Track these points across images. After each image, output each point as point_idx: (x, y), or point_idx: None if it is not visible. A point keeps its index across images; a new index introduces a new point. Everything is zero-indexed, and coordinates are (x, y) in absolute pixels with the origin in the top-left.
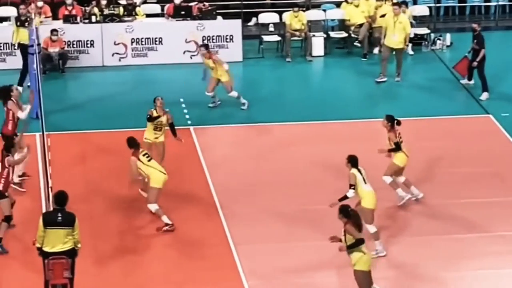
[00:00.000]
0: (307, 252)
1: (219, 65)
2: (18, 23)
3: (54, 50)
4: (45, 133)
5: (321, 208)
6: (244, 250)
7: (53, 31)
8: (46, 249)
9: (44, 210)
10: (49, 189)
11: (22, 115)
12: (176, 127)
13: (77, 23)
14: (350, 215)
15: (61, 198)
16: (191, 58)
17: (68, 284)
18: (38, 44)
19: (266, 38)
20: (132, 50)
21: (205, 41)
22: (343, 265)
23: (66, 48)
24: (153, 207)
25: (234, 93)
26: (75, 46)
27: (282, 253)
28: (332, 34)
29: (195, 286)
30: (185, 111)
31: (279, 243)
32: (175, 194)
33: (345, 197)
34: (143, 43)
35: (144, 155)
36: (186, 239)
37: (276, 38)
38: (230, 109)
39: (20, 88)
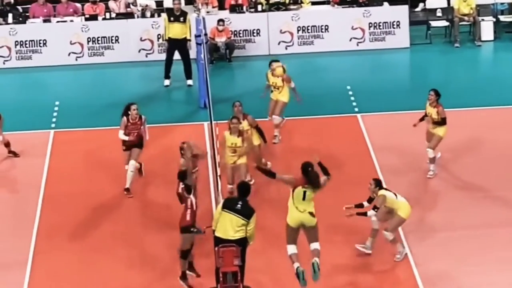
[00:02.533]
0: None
1: (287, 83)
2: (172, 18)
3: (220, 40)
4: (213, 122)
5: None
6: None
7: (220, 21)
8: (218, 234)
9: (212, 198)
10: (218, 177)
11: (121, 135)
12: (343, 115)
13: (243, 12)
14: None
15: (244, 188)
16: (357, 45)
17: (238, 272)
18: (205, 34)
19: (433, 23)
20: (298, 38)
21: (371, 28)
22: None
23: (232, 38)
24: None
25: (279, 119)
26: (241, 35)
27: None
28: (502, 18)
29: None
30: (352, 98)
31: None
32: (345, 180)
33: (365, 214)
34: (309, 31)
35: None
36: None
37: (444, 23)
38: (395, 95)
39: (190, 81)
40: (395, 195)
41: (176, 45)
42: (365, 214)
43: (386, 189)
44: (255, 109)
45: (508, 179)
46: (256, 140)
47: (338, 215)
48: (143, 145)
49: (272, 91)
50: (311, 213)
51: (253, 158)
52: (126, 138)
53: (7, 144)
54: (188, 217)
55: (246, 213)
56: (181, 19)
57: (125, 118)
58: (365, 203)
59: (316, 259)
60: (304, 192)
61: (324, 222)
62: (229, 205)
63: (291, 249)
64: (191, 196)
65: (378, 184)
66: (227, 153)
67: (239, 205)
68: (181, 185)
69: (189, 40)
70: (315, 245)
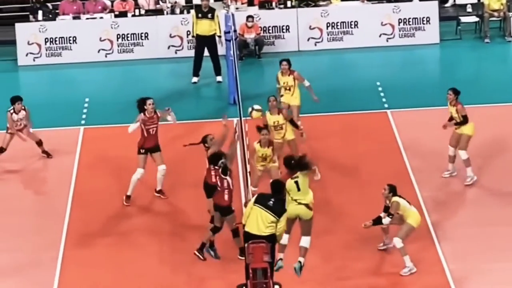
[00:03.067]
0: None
1: (299, 82)
2: (200, 15)
3: (250, 36)
4: (242, 118)
5: None
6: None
7: (249, 18)
8: (248, 229)
9: (242, 194)
10: (247, 173)
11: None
12: (372, 111)
13: (273, 8)
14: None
15: (277, 186)
16: (387, 41)
17: (268, 268)
18: (235, 31)
19: (463, 19)
20: (328, 35)
21: (401, 24)
22: None
23: (262, 34)
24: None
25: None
26: (270, 31)
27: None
28: None
29: None
30: (382, 94)
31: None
32: (374, 176)
33: (380, 222)
34: (338, 27)
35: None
36: None
37: (474, 18)
38: (425, 91)
39: (219, 78)
40: (408, 203)
41: (204, 41)
42: (380, 222)
43: (400, 196)
44: None
45: None
46: (291, 135)
47: (366, 213)
48: (160, 148)
49: (282, 95)
50: (307, 206)
51: (290, 152)
52: (132, 130)
53: (39, 143)
54: (226, 198)
55: (278, 211)
56: (209, 15)
57: (142, 114)
58: (382, 214)
59: (301, 259)
60: (296, 182)
61: (349, 221)
62: (261, 201)
63: (283, 239)
64: (228, 177)
65: (392, 190)
66: (258, 161)
67: (271, 202)
68: (213, 169)
69: (219, 36)
70: (304, 241)
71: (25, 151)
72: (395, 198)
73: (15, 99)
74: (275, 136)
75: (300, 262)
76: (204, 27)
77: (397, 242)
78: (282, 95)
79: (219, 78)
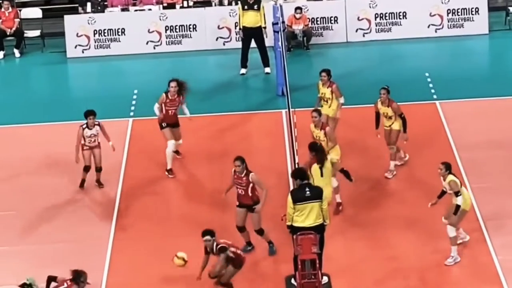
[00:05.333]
0: None
1: (336, 97)
2: (246, 7)
3: (298, 27)
4: (291, 109)
5: None
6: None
7: (297, 9)
8: (297, 224)
9: (291, 186)
10: (296, 165)
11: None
12: (422, 102)
13: (321, 0)
14: None
15: (303, 172)
16: (435, 32)
17: (317, 259)
18: (283, 22)
19: None
20: (376, 25)
21: (449, 15)
22: None
23: (310, 25)
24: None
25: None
26: (319, 22)
27: None
28: None
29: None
30: (431, 85)
31: None
32: (424, 167)
33: (458, 207)
34: (387, 18)
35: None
36: None
37: None
38: (474, 82)
39: (268, 69)
40: (460, 183)
41: (251, 33)
42: (443, 195)
43: (454, 174)
44: None
45: None
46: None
47: (418, 207)
48: (179, 124)
49: (322, 105)
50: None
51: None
52: (158, 113)
53: (99, 169)
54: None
55: (317, 194)
56: (255, 7)
57: (164, 94)
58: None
59: None
60: (321, 168)
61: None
62: (299, 197)
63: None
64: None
65: (447, 168)
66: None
67: (308, 192)
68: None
69: (264, 27)
70: None
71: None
72: (452, 177)
73: (88, 113)
74: None
75: None
76: (250, 19)
77: (450, 231)
78: (321, 106)
79: (267, 70)
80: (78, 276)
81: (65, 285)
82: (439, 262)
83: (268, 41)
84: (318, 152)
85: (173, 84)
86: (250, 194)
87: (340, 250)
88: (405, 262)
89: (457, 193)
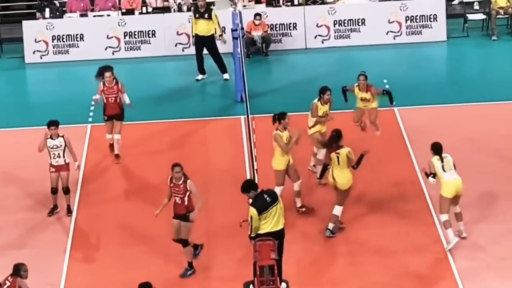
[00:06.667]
0: None
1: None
2: (197, 15)
3: (257, 33)
4: (249, 115)
5: None
6: None
7: (256, 15)
8: (262, 231)
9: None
10: (255, 171)
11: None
12: (380, 108)
13: (280, 6)
14: None
15: (253, 183)
16: (394, 38)
17: (276, 265)
18: (242, 28)
19: (470, 16)
20: (335, 32)
21: (408, 22)
22: None
23: (269, 32)
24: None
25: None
26: (278, 29)
27: None
28: None
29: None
30: None
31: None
32: (383, 174)
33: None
34: (346, 24)
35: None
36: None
37: (481, 16)
38: (432, 88)
39: (226, 75)
40: (443, 168)
41: (203, 41)
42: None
43: (441, 158)
44: (291, 102)
45: None
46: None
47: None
48: (124, 117)
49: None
50: (340, 181)
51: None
52: (98, 96)
53: (66, 191)
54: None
55: (274, 197)
56: (206, 15)
57: (101, 83)
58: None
59: (330, 225)
60: (337, 157)
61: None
62: (263, 206)
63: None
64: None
65: (433, 148)
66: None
67: (267, 198)
68: None
69: (220, 35)
70: (336, 209)
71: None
72: (432, 158)
73: (49, 124)
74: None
75: (329, 228)
76: (202, 27)
77: (442, 217)
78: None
79: (225, 76)
80: (18, 270)
81: (8, 283)
82: (400, 270)
83: (227, 48)
84: (331, 139)
85: (107, 74)
86: (186, 203)
87: (300, 256)
88: (365, 268)
89: (430, 174)
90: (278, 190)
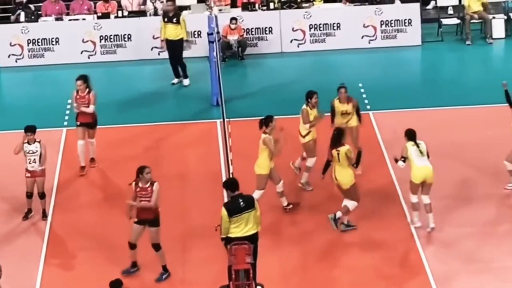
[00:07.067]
0: None
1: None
2: (166, 19)
3: (233, 37)
4: (225, 119)
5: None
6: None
7: (232, 19)
8: (233, 235)
9: (225, 196)
10: (231, 175)
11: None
12: None
13: (256, 10)
14: None
15: (235, 183)
16: (369, 43)
17: (251, 269)
18: (218, 32)
19: (445, 21)
20: (310, 36)
21: (383, 26)
22: None
23: (245, 36)
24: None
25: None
26: (253, 33)
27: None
28: None
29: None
30: (364, 96)
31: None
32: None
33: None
34: (321, 29)
35: None
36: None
37: (455, 21)
38: (407, 93)
39: (186, 81)
40: (421, 153)
41: (171, 45)
42: (397, 161)
43: (416, 144)
44: (267, 106)
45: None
46: (356, 122)
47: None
48: (96, 124)
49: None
50: (341, 179)
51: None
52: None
53: (42, 196)
54: None
55: (250, 203)
56: (174, 20)
57: (74, 92)
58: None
59: (338, 213)
60: (338, 154)
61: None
62: (234, 209)
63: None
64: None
65: (406, 134)
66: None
67: (242, 203)
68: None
69: (187, 40)
70: (346, 201)
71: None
72: (406, 144)
73: (26, 129)
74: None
75: (335, 214)
76: (170, 32)
77: (411, 197)
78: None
79: (185, 82)
80: None
81: None
82: (373, 274)
83: (203, 51)
84: (333, 137)
85: (79, 82)
86: (153, 207)
87: (275, 259)
88: (339, 271)
89: (401, 157)
90: (258, 194)
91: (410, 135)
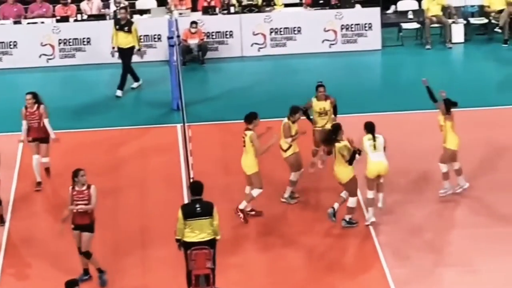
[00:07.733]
0: None
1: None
2: (117, 27)
3: (193, 41)
4: (186, 124)
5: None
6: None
7: (192, 23)
8: (188, 239)
9: (185, 201)
10: (191, 179)
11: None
12: None
13: (216, 14)
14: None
15: (197, 187)
16: (329, 47)
17: (211, 274)
18: (178, 36)
19: (405, 25)
20: (271, 40)
21: (343, 30)
22: None
23: (205, 40)
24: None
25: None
26: (214, 37)
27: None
28: (472, 20)
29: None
30: None
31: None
32: (317, 180)
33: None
34: (282, 33)
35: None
36: None
37: (415, 25)
38: (367, 97)
39: (120, 92)
40: (375, 148)
41: (123, 53)
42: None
43: (374, 137)
44: (228, 110)
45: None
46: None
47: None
48: (49, 140)
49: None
50: (338, 174)
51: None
52: (22, 137)
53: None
54: None
55: (208, 211)
56: (126, 28)
57: (23, 108)
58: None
59: (335, 205)
60: (334, 150)
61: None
62: (189, 213)
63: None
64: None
65: (366, 127)
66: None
67: (198, 208)
68: None
69: (138, 49)
70: (349, 202)
71: None
72: (364, 137)
73: None
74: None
75: (333, 207)
76: (121, 40)
77: (367, 193)
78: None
79: (118, 93)
80: None
81: None
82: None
83: (163, 55)
84: (329, 133)
85: (28, 96)
86: (89, 212)
87: (236, 264)
88: (302, 275)
89: (358, 150)
90: (257, 192)
91: (369, 127)
